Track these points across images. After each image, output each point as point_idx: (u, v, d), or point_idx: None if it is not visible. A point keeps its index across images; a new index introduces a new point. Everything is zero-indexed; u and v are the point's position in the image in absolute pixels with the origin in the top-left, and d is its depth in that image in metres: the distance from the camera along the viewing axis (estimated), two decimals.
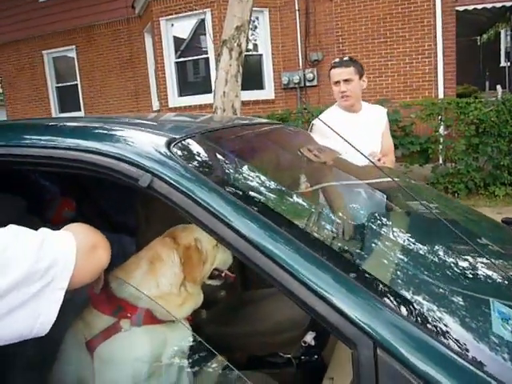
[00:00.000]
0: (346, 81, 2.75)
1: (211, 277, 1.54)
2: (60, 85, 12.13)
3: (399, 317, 0.91)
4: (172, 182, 1.05)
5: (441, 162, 7.74)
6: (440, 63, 8.66)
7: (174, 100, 9.72)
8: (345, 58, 2.91)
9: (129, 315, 1.35)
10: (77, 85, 11.71)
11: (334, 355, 1.34)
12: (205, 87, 9.16)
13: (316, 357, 1.93)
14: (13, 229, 0.85)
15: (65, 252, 0.85)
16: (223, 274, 1.58)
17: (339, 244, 1.14)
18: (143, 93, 10.86)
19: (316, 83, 9.36)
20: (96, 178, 2.34)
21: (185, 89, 9.89)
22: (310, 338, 2.02)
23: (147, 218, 2.35)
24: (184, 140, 1.24)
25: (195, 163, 1.15)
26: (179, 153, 1.16)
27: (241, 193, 1.09)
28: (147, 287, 1.38)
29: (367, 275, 1.01)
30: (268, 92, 9.55)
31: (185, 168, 1.10)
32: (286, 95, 9.58)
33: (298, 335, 2.01)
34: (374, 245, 1.29)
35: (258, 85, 9.46)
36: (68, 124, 1.46)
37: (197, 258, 1.43)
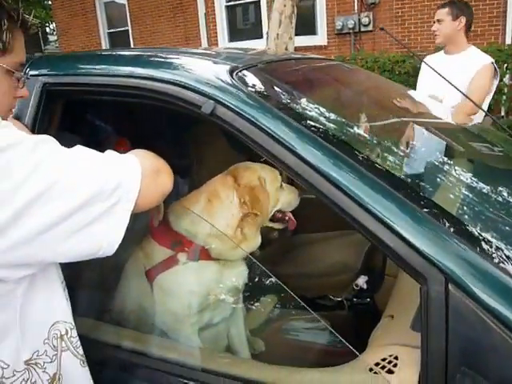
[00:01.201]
0: (438, 21, 3.01)
1: (274, 219, 1.50)
2: (111, 30, 12.16)
3: (472, 251, 0.87)
4: (236, 108, 1.03)
5: (503, 113, 7.28)
6: (510, 6, 7.96)
7: (225, 45, 9.57)
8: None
9: (186, 249, 1.37)
10: (128, 30, 11.70)
11: (394, 293, 1.31)
12: (255, 32, 8.90)
13: (368, 300, 1.92)
14: (81, 149, 0.85)
15: (130, 174, 0.85)
16: (286, 218, 1.53)
17: (405, 176, 1.09)
18: (193, 38, 10.72)
19: (371, 28, 8.85)
20: (150, 118, 2.35)
21: (235, 34, 9.67)
22: (362, 281, 2.01)
23: (200, 160, 2.37)
24: (246, 69, 1.21)
25: (258, 91, 1.12)
26: (242, 80, 1.13)
27: (305, 121, 1.05)
28: (203, 224, 1.38)
29: (436, 207, 0.95)
30: (321, 37, 9.16)
31: (248, 95, 1.07)
32: (340, 41, 9.17)
33: (350, 279, 2.00)
34: (439, 180, 1.23)
35: (311, 30, 9.08)
36: (130, 53, 1.45)
37: (265, 196, 1.39)
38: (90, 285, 1.42)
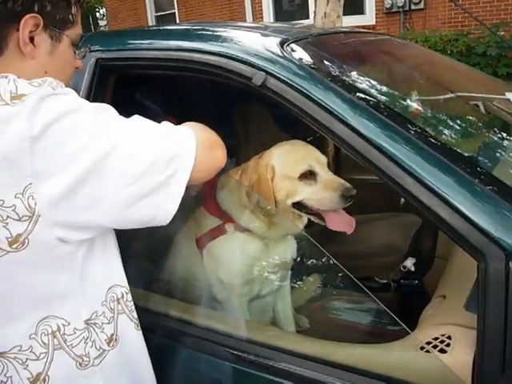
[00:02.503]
0: None
1: (307, 211, 1.36)
2: (159, 14, 12.31)
3: None
4: (287, 80, 1.02)
5: None
6: None
7: None
8: None
9: (233, 220, 1.39)
10: (174, 13, 11.80)
11: (446, 273, 1.27)
12: (301, 13, 8.74)
13: (416, 282, 1.88)
14: (139, 119, 0.86)
15: (186, 146, 0.85)
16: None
17: (463, 149, 1.04)
18: (239, 20, 10.68)
19: (422, 6, 8.47)
20: (197, 97, 2.34)
21: (281, 15, 9.53)
22: (410, 263, 1.96)
23: (246, 139, 2.36)
24: (297, 41, 1.19)
25: (309, 63, 1.10)
26: (293, 52, 1.12)
27: (358, 93, 1.03)
28: (237, 200, 1.39)
29: (497, 182, 0.91)
30: (369, 17, 8.88)
31: (300, 67, 1.05)
32: (388, 20, 8.85)
33: (397, 260, 1.96)
34: (500, 155, 1.18)
35: (359, 9, 8.81)
36: (181, 28, 1.46)
37: (263, 185, 1.30)
38: (141, 254, 1.46)
